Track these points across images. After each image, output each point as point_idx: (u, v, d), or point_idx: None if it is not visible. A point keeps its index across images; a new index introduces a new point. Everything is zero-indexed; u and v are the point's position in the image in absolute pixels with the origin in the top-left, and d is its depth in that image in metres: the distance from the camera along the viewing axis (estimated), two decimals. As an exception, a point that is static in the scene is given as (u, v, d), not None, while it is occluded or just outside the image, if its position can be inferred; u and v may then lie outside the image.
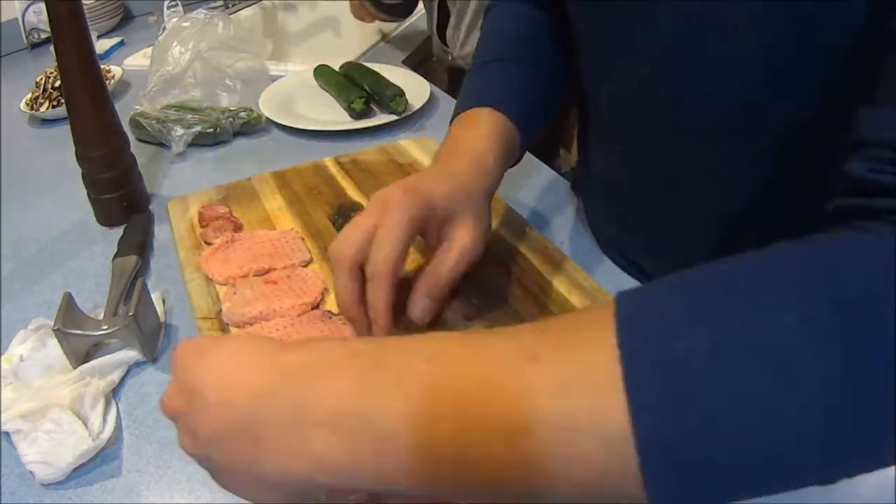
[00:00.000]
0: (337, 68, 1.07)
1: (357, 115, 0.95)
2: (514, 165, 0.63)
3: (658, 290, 0.29)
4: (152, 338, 0.57)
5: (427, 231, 0.51)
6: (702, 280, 0.28)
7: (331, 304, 0.60)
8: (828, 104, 0.43)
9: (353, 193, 0.76)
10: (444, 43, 1.27)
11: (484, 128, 0.57)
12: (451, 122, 0.61)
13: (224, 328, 0.57)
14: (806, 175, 0.47)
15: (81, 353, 0.55)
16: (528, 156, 0.68)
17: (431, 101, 0.99)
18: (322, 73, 1.07)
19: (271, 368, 0.31)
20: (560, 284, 0.60)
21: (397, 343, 0.32)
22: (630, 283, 0.63)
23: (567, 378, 0.26)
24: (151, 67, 1.01)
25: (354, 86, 1.00)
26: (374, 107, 0.98)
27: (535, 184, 0.78)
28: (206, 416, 0.32)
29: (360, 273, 0.48)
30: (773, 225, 0.46)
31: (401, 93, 0.95)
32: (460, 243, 0.50)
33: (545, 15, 0.66)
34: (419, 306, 0.49)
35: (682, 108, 0.50)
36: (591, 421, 0.25)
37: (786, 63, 0.42)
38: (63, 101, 0.78)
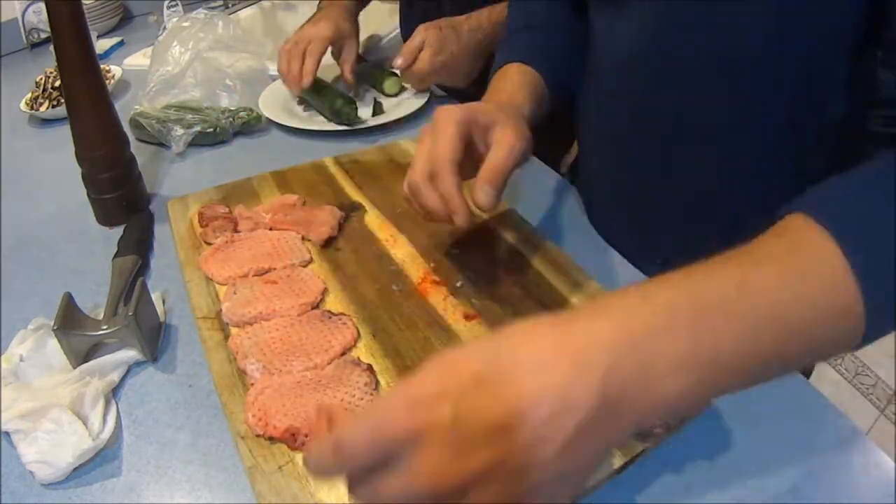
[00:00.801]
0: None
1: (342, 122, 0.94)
2: (542, 118, 0.69)
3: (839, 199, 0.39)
4: (152, 338, 0.57)
5: (474, 140, 0.57)
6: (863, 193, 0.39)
7: (330, 303, 0.60)
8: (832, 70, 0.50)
9: (353, 193, 0.76)
10: None
11: (516, 77, 0.69)
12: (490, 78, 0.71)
13: (224, 328, 0.57)
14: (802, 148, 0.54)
15: (81, 353, 0.55)
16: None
17: (431, 102, 0.99)
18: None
19: (579, 355, 0.31)
20: (560, 284, 0.60)
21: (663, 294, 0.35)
22: (630, 282, 0.63)
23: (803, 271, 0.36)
24: (151, 67, 1.01)
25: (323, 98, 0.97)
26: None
27: (535, 184, 0.78)
28: (543, 434, 0.29)
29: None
30: (772, 192, 0.47)
31: (351, 102, 0.93)
32: (507, 141, 0.56)
33: None
34: (482, 192, 0.55)
35: (677, 69, 0.56)
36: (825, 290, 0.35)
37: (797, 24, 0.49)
38: (63, 101, 0.78)
